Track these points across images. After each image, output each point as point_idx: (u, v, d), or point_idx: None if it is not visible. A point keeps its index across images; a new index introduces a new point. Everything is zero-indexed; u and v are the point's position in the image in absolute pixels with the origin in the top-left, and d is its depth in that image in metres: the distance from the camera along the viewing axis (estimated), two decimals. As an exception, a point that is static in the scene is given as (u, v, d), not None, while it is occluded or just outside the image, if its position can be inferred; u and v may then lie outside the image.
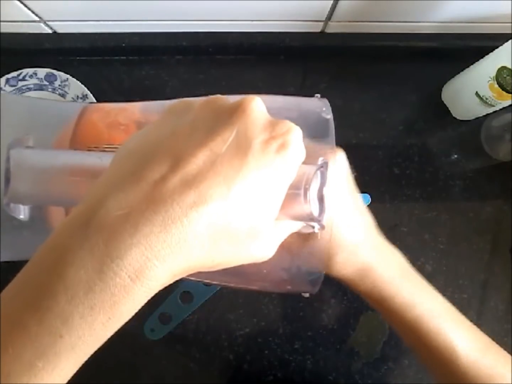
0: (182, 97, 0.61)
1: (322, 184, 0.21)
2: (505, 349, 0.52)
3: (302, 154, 0.20)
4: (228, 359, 0.50)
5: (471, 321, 0.32)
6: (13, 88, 0.53)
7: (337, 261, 0.28)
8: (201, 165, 0.17)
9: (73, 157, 0.24)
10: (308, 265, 0.26)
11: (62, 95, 0.53)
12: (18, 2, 0.46)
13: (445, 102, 0.57)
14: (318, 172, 0.21)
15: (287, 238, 0.22)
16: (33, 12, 0.48)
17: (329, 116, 0.26)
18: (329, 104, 0.27)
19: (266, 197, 0.18)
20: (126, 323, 0.18)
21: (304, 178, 0.20)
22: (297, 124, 0.20)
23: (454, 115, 0.57)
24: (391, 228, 0.54)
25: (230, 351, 0.50)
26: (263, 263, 0.21)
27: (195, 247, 0.17)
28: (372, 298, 0.30)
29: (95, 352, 0.20)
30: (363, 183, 0.48)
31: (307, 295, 0.27)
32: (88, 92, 0.52)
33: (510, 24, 0.52)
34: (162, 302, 0.48)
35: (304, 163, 0.20)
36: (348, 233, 0.28)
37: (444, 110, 0.57)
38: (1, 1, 0.46)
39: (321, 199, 0.21)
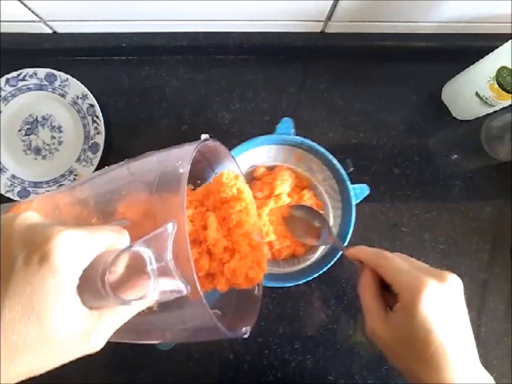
0: (182, 96, 0.60)
1: (162, 255, 0.21)
2: (505, 349, 0.52)
3: (78, 252, 0.20)
4: (228, 359, 0.50)
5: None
6: (13, 88, 0.53)
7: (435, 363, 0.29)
8: None
9: None
10: (199, 322, 0.26)
11: (62, 95, 0.53)
12: (18, 2, 0.46)
13: (445, 102, 0.57)
14: (143, 250, 0.21)
15: (164, 304, 0.23)
16: (33, 12, 0.48)
17: (182, 170, 0.26)
18: (192, 151, 0.27)
19: (53, 304, 0.19)
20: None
21: (100, 270, 0.20)
22: (154, 183, 0.22)
23: (454, 115, 0.57)
24: (391, 228, 0.54)
25: (230, 351, 0.50)
26: (163, 328, 0.22)
27: None
28: None
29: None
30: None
31: (246, 336, 0.28)
32: (88, 92, 0.52)
33: (510, 24, 0.52)
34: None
35: (157, 222, 0.21)
36: (451, 356, 0.29)
37: (444, 110, 0.57)
38: (1, 1, 0.46)
39: (153, 273, 0.21)
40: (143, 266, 0.21)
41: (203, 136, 0.29)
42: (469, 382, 0.28)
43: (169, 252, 0.21)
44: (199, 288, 0.23)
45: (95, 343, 0.21)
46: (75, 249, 0.20)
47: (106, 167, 0.30)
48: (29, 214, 0.21)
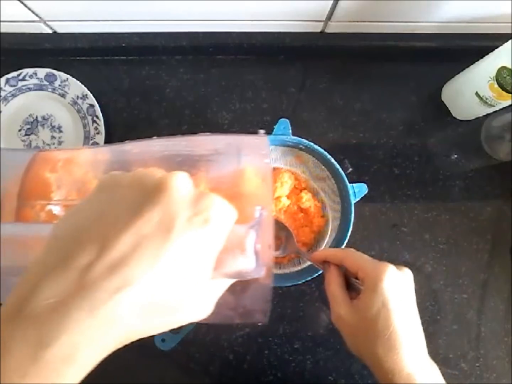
0: (182, 96, 0.60)
1: (258, 239, 0.22)
2: (504, 349, 0.52)
3: (228, 223, 0.21)
4: (228, 359, 0.50)
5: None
6: (13, 88, 0.53)
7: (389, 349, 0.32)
8: (126, 248, 0.18)
9: (11, 230, 0.24)
10: (254, 305, 0.28)
11: (62, 95, 0.53)
12: (18, 2, 0.46)
13: (445, 102, 0.57)
14: (252, 229, 0.22)
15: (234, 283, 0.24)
16: (33, 12, 0.48)
17: (267, 160, 0.27)
18: (269, 144, 0.28)
19: (194, 269, 0.20)
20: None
21: (236, 240, 0.21)
22: (235, 168, 0.22)
23: (454, 115, 0.57)
24: (391, 228, 0.54)
25: (230, 351, 0.50)
26: (217, 307, 0.22)
27: (123, 326, 0.18)
28: None
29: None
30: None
31: (259, 323, 0.29)
32: (88, 92, 0.52)
33: (510, 24, 0.52)
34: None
35: (242, 210, 0.22)
36: (406, 338, 0.32)
37: (444, 110, 0.57)
38: (1, 1, 0.46)
39: (256, 253, 0.22)
40: (242, 243, 0.21)
41: (261, 131, 0.30)
42: (419, 363, 0.32)
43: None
44: (272, 272, 0.25)
45: (207, 310, 0.22)
46: (229, 218, 0.21)
47: (154, 137, 0.30)
48: (185, 176, 0.21)
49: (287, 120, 0.47)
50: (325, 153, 0.46)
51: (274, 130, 0.47)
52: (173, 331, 0.46)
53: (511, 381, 0.51)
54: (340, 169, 0.46)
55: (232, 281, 0.24)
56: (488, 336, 0.52)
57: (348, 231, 0.45)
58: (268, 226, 0.24)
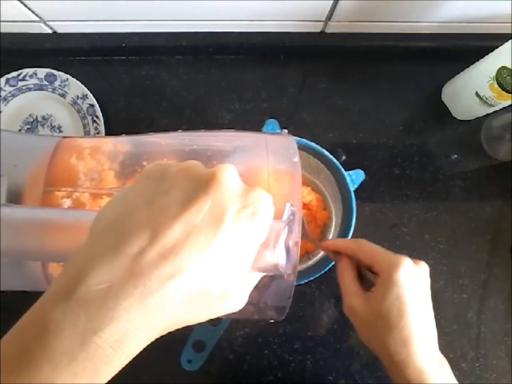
0: (182, 96, 0.60)
1: (289, 235, 0.23)
2: (504, 349, 0.52)
3: (271, 218, 0.21)
4: (228, 359, 0.50)
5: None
6: (13, 88, 0.53)
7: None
8: (177, 237, 0.18)
9: (49, 215, 0.25)
10: (275, 301, 0.28)
11: (62, 95, 0.53)
12: (18, 2, 0.46)
13: (445, 102, 0.57)
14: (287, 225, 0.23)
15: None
16: (33, 12, 0.48)
17: (296, 159, 0.27)
18: (295, 143, 0.28)
19: (238, 260, 0.20)
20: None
21: (273, 235, 0.22)
22: (263, 165, 0.22)
23: (454, 115, 0.57)
24: (391, 228, 0.54)
25: (230, 351, 0.50)
26: None
27: (171, 314, 0.18)
28: None
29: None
30: (363, 182, 0.48)
31: (272, 320, 0.30)
32: (88, 92, 0.53)
33: (510, 24, 0.52)
34: (190, 333, 0.47)
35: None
36: (418, 332, 0.32)
37: (444, 110, 0.57)
38: (1, 1, 0.46)
39: (287, 249, 0.23)
40: (277, 238, 0.22)
41: (285, 131, 0.31)
42: (431, 357, 0.32)
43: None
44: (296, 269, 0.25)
45: (242, 302, 0.22)
46: (272, 211, 0.21)
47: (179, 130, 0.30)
48: (234, 168, 0.21)
49: (275, 120, 0.47)
50: (316, 145, 0.46)
51: (262, 131, 0.47)
52: (198, 350, 0.46)
53: (511, 381, 0.51)
54: (334, 159, 0.45)
55: (262, 275, 0.24)
56: (488, 336, 0.52)
57: (352, 220, 0.45)
58: (296, 223, 0.24)
